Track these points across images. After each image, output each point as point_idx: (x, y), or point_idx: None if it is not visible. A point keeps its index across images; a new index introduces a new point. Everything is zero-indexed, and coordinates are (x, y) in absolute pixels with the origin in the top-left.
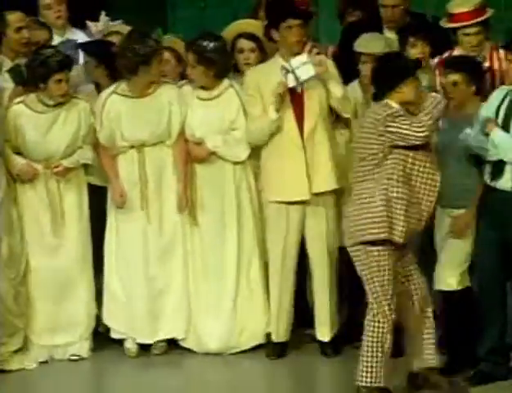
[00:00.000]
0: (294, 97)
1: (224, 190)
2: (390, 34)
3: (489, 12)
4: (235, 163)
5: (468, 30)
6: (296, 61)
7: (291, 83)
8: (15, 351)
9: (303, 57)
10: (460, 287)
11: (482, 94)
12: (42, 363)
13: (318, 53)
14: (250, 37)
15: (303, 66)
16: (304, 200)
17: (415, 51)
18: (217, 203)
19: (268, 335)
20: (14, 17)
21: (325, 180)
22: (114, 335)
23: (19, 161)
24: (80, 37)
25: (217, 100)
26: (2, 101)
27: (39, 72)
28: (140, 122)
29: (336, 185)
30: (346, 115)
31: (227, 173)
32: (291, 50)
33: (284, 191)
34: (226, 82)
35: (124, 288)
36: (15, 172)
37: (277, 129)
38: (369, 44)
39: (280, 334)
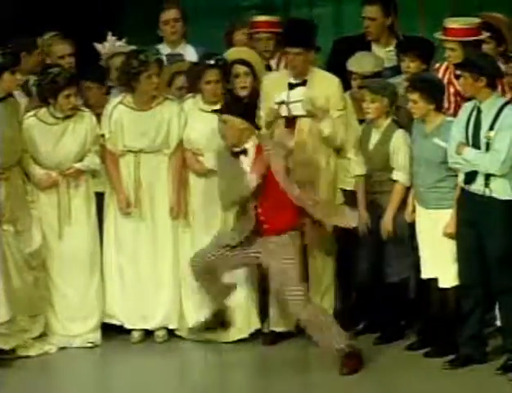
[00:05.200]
0: (288, 118)
1: (212, 197)
2: (378, 50)
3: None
4: None
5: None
6: (294, 95)
7: (284, 112)
8: (36, 337)
9: (301, 93)
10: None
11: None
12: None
13: None
14: (244, 62)
15: (299, 103)
16: None
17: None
18: (206, 208)
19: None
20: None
21: None
22: (108, 320)
23: (38, 171)
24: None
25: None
26: (19, 115)
27: (50, 89)
28: (139, 133)
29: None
30: (335, 145)
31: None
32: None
33: None
34: None
35: (119, 277)
36: (35, 181)
37: None
38: (361, 64)
39: (275, 323)
